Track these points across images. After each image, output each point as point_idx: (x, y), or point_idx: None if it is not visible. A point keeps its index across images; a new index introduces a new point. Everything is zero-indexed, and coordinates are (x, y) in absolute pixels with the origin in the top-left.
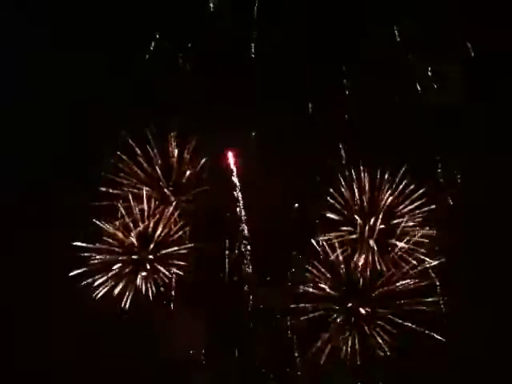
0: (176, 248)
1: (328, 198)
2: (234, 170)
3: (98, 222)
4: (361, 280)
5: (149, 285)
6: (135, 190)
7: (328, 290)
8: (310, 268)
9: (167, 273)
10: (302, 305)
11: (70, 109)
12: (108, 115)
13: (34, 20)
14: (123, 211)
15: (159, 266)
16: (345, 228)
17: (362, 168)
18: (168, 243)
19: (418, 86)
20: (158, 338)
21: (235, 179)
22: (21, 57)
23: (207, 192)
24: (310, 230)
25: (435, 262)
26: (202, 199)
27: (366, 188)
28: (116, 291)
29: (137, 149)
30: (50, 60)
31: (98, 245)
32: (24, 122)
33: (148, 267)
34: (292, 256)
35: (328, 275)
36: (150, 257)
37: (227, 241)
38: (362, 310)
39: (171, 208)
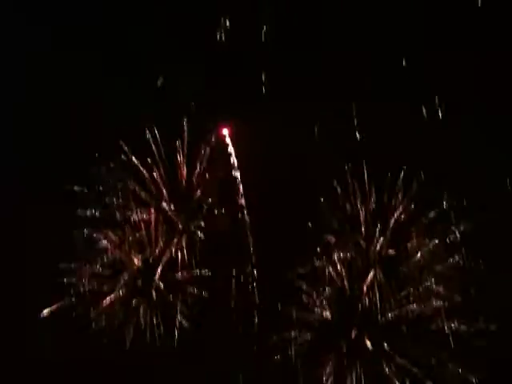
0: (184, 274)
1: (333, 223)
2: (232, 149)
3: (102, 246)
4: (366, 304)
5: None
6: (144, 216)
7: (330, 317)
8: (314, 294)
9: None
10: (303, 334)
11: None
12: (115, 137)
13: (34, 20)
14: (130, 236)
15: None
16: (350, 251)
17: (368, 191)
18: (176, 269)
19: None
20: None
21: (242, 201)
22: (21, 57)
23: (215, 217)
24: (314, 254)
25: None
26: (211, 225)
27: (371, 205)
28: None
29: (145, 172)
30: (50, 60)
31: (100, 269)
32: (24, 122)
33: (154, 294)
34: (296, 280)
35: (330, 301)
36: (156, 281)
37: (234, 268)
38: (368, 343)
39: (179, 233)
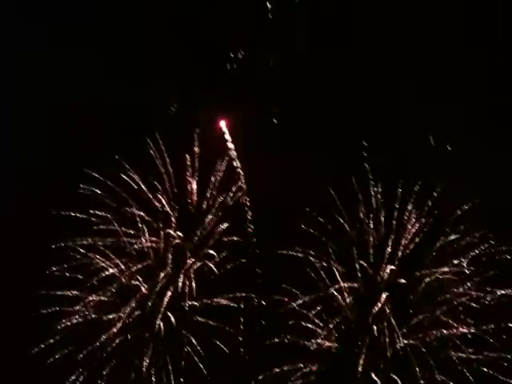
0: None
1: (339, 251)
2: (229, 138)
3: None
4: (374, 334)
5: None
6: (154, 244)
7: (336, 347)
8: (320, 323)
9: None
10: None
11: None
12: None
13: (34, 20)
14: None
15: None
16: (357, 279)
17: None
18: (184, 297)
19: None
20: None
21: (250, 228)
22: (21, 57)
23: (226, 246)
24: (321, 282)
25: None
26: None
27: (380, 231)
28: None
29: (155, 202)
30: (50, 60)
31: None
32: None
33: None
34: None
35: (337, 331)
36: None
37: (243, 296)
38: (375, 377)
39: (189, 262)
